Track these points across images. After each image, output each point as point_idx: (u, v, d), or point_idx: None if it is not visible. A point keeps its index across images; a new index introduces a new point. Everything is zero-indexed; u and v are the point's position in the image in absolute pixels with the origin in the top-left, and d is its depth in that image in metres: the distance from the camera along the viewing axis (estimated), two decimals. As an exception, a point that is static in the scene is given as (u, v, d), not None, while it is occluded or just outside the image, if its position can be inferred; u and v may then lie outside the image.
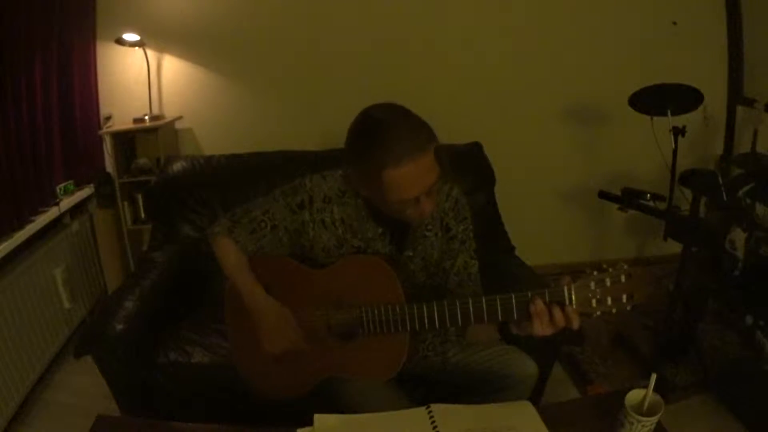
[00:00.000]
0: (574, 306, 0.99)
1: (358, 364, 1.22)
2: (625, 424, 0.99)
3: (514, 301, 1.03)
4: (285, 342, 1.23)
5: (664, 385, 1.91)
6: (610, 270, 0.98)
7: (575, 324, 1.00)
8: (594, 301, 0.99)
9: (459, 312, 1.07)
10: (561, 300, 1.00)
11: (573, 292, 0.99)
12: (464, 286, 1.27)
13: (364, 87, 2.57)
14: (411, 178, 1.04)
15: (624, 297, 0.98)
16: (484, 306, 1.05)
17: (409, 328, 1.12)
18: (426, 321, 1.10)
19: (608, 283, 0.98)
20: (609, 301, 0.99)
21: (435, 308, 1.09)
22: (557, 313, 1.00)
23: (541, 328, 1.01)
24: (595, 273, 0.99)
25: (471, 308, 1.06)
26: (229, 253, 1.28)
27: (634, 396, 1.01)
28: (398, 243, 1.26)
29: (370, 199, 1.18)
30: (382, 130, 1.03)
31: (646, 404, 1.00)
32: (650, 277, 0.99)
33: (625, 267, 0.99)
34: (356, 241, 1.25)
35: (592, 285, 0.99)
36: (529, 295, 1.02)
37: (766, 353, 2.09)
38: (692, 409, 1.93)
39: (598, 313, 1.00)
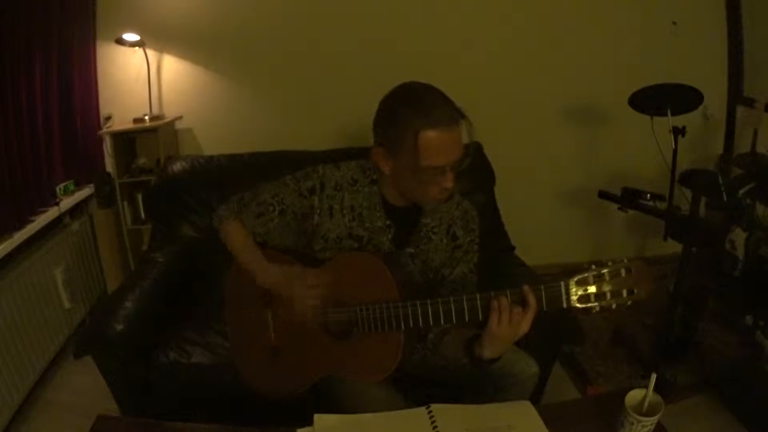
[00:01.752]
0: (572, 302, 0.99)
1: (353, 364, 1.22)
2: (625, 424, 0.99)
3: (508, 296, 1.02)
4: (316, 301, 1.20)
5: (664, 385, 1.91)
6: (610, 264, 0.98)
7: (525, 327, 1.01)
8: (592, 296, 0.98)
9: (453, 309, 1.07)
10: (557, 294, 1.00)
11: (570, 287, 0.99)
12: (456, 295, 1.26)
13: (364, 87, 2.56)
14: (444, 144, 1.08)
15: (624, 292, 0.98)
16: (478, 303, 1.05)
17: (403, 327, 1.12)
18: (420, 319, 1.10)
19: (607, 278, 0.97)
20: (608, 296, 0.98)
21: (429, 306, 1.09)
22: (516, 313, 1.00)
23: (498, 326, 1.01)
24: (593, 267, 0.98)
25: (465, 306, 1.06)
26: (237, 235, 1.29)
27: (634, 396, 1.01)
28: (401, 239, 1.27)
29: (394, 177, 1.18)
30: (422, 96, 1.09)
31: (646, 404, 1.00)
32: (651, 272, 0.98)
33: (626, 261, 0.98)
34: (361, 231, 1.25)
35: (591, 279, 0.98)
36: (541, 287, 1.01)
37: (766, 353, 2.09)
38: (692, 409, 1.93)
39: (597, 309, 0.99)
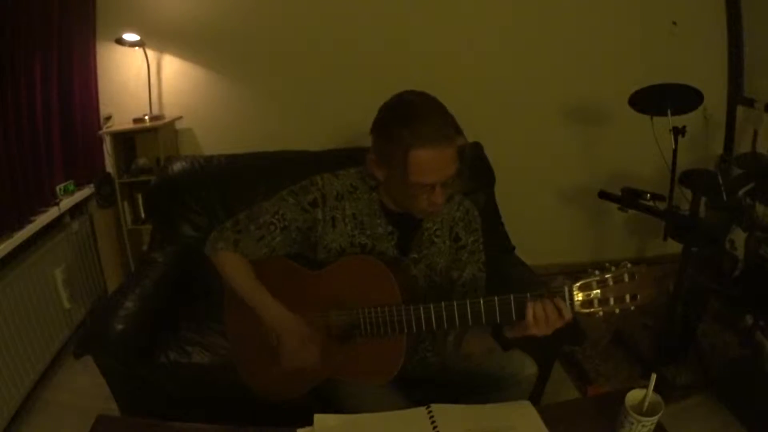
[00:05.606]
0: (576, 306, 0.99)
1: (355, 368, 1.22)
2: (625, 424, 0.99)
3: (512, 302, 1.03)
4: (303, 364, 1.22)
5: (664, 385, 1.91)
6: (613, 269, 0.97)
7: (568, 316, 1.00)
8: (596, 302, 0.98)
9: (456, 314, 1.07)
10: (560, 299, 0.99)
11: (574, 292, 0.99)
12: (469, 297, 1.26)
13: (364, 87, 2.56)
14: (433, 163, 1.07)
15: (627, 297, 0.97)
16: (482, 307, 1.05)
17: (406, 331, 1.12)
18: (423, 323, 1.09)
19: (611, 283, 0.97)
20: (612, 301, 0.98)
21: (432, 310, 1.09)
22: (552, 313, 1.00)
23: (537, 329, 1.01)
24: (597, 272, 0.98)
25: (468, 310, 1.06)
26: (238, 271, 1.24)
27: (634, 396, 1.01)
28: (404, 245, 1.26)
29: (386, 186, 1.19)
30: (416, 112, 1.07)
31: (646, 404, 1.00)
32: (654, 277, 0.98)
33: (629, 266, 0.98)
34: (363, 238, 1.25)
35: (594, 284, 0.98)
36: (528, 296, 1.01)
37: (766, 353, 2.09)
38: (692, 409, 1.93)
39: (601, 313, 0.99)
